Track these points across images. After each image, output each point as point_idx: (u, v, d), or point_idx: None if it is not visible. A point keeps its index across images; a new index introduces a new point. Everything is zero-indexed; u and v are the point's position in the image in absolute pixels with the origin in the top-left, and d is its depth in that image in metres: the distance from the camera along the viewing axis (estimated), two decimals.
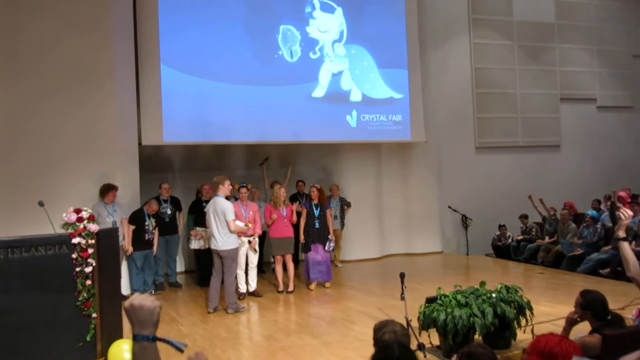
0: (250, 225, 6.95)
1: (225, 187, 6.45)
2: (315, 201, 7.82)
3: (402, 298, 5.01)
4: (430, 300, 4.81)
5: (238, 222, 6.51)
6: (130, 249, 7.52)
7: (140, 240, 7.66)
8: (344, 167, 10.48)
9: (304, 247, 7.85)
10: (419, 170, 10.93)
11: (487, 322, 4.52)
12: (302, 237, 7.70)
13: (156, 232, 7.79)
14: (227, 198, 6.58)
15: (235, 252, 6.49)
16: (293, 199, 9.26)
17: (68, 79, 7.35)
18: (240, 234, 6.79)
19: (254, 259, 7.37)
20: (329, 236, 7.75)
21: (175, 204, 8.36)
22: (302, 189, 9.49)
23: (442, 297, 4.79)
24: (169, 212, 8.19)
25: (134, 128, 8.11)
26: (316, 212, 7.80)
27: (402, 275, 5.03)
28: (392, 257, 10.60)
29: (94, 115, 7.53)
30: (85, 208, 4.78)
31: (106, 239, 4.75)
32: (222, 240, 6.32)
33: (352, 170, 10.44)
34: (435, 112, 11.08)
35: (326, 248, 7.68)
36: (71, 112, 7.39)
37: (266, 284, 8.24)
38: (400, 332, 2.42)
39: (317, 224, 7.76)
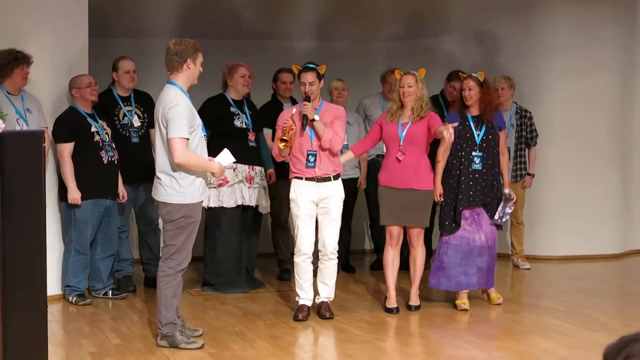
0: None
1: (196, 67, 6.31)
2: (475, 110, 7.60)
3: None
4: None
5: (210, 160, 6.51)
6: (78, 195, 7.70)
7: (91, 174, 7.79)
8: (536, 35, 10.16)
9: (446, 217, 7.69)
10: None
11: None
12: (438, 189, 7.62)
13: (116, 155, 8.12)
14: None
15: (184, 212, 6.31)
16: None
17: None
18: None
19: (330, 237, 7.27)
20: (506, 191, 7.58)
21: (146, 105, 8.53)
22: (454, 90, 9.02)
23: None
24: (136, 122, 8.39)
25: None
26: (477, 136, 7.56)
27: None
28: None
29: None
30: None
31: (20, 154, 4.87)
32: (158, 181, 6.38)
33: (554, 42, 10.12)
34: None
35: (496, 217, 7.55)
36: None
37: (359, 292, 8.51)
38: None
39: (476, 162, 7.52)
